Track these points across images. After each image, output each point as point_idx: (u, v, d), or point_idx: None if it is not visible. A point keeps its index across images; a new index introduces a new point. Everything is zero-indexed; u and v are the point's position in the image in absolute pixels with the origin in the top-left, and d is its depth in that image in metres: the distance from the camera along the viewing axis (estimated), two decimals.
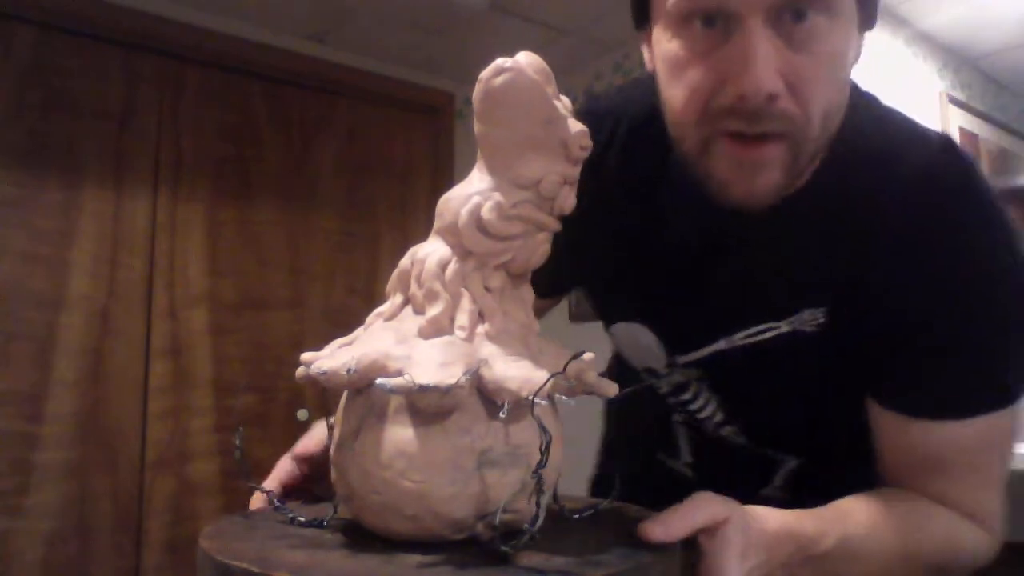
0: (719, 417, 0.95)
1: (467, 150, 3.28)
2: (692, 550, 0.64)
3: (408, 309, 0.63)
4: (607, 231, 0.94)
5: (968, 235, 0.79)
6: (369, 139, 3.13)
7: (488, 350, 0.58)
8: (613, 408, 1.18)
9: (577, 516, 0.66)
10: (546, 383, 0.56)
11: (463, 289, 0.60)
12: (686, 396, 0.96)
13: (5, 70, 2.42)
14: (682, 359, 0.94)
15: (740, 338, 0.88)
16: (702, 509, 0.65)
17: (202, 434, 2.66)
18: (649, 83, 0.89)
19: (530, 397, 0.55)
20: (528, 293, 0.64)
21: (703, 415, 0.96)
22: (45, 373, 2.41)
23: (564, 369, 0.58)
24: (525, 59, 0.60)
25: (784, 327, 0.86)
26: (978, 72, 3.35)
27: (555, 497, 0.65)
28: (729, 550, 0.64)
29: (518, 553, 0.55)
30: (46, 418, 2.40)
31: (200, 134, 2.76)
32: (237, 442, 0.66)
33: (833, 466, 0.92)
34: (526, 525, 0.56)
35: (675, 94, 0.77)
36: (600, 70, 3.13)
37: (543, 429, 0.54)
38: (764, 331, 0.87)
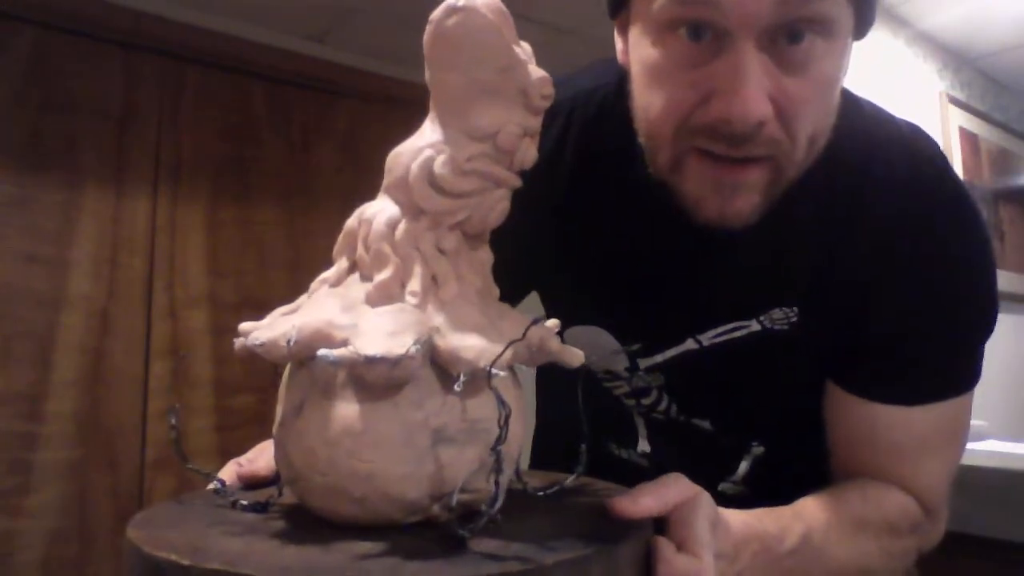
0: (683, 417, 0.90)
1: None
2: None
3: (355, 275, 0.56)
4: (563, 232, 0.88)
5: (942, 232, 0.77)
6: (369, 139, 3.06)
7: (442, 318, 0.52)
8: (551, 390, 1.11)
9: (542, 494, 0.60)
10: (504, 351, 0.49)
11: (414, 251, 0.54)
12: (647, 400, 0.91)
13: (5, 70, 2.36)
14: (645, 362, 0.88)
15: (709, 338, 0.84)
16: (674, 486, 0.60)
17: (202, 434, 2.60)
18: (604, 69, 0.84)
19: (487, 367, 0.49)
20: (486, 255, 0.58)
21: (667, 411, 0.91)
22: (45, 373, 2.34)
23: (524, 336, 0.51)
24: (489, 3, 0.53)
25: (755, 325, 0.82)
26: (978, 72, 3.28)
27: (517, 474, 0.59)
28: (699, 513, 0.59)
29: (475, 537, 0.49)
30: (46, 418, 2.33)
31: (200, 134, 2.69)
32: (172, 421, 0.59)
33: (798, 452, 0.88)
34: (484, 507, 0.50)
35: (652, 103, 0.70)
36: None
37: (501, 402, 0.48)
38: (733, 330, 0.82)
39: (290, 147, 2.89)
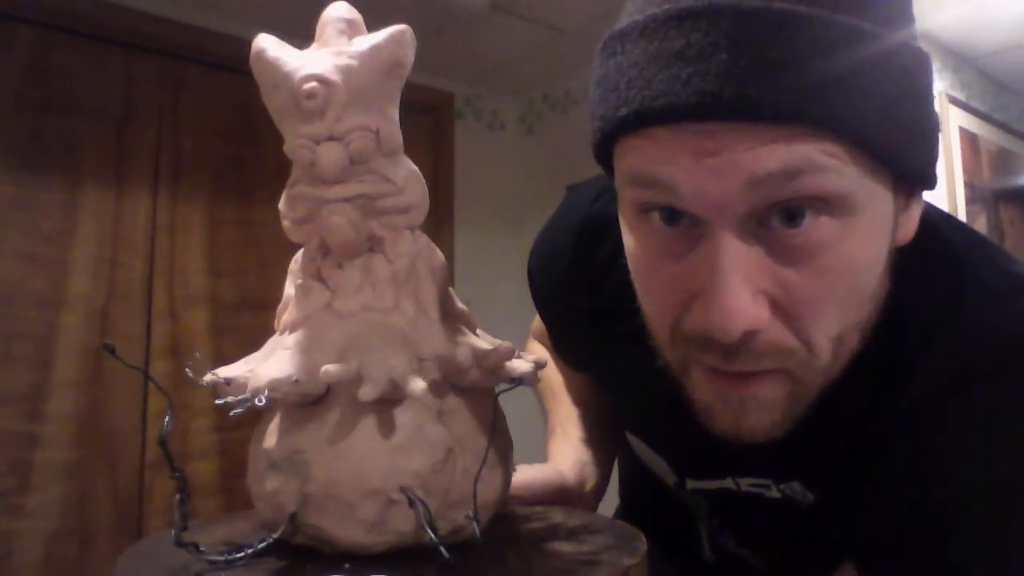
0: (732, 542, 0.80)
1: (467, 150, 3.16)
2: None
3: None
4: (606, 350, 0.77)
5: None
6: None
7: (291, 340, 0.55)
8: (628, 469, 0.98)
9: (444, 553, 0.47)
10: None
11: (294, 281, 0.59)
12: (698, 513, 0.83)
13: (5, 70, 2.29)
14: (692, 484, 0.78)
15: (745, 484, 0.72)
16: None
17: (202, 434, 2.53)
18: None
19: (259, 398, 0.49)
20: (383, 267, 0.55)
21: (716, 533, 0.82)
22: (45, 373, 2.29)
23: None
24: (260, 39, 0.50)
25: (775, 492, 0.69)
26: (978, 72, 3.22)
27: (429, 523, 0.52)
28: None
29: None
30: (46, 418, 2.28)
31: (200, 134, 2.62)
32: (166, 418, 0.56)
33: None
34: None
35: (643, 300, 0.59)
36: None
37: None
38: (763, 486, 0.70)
39: None
